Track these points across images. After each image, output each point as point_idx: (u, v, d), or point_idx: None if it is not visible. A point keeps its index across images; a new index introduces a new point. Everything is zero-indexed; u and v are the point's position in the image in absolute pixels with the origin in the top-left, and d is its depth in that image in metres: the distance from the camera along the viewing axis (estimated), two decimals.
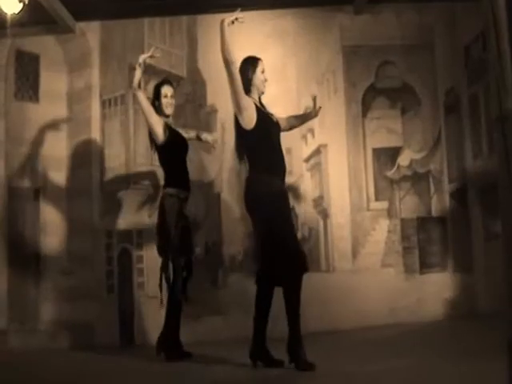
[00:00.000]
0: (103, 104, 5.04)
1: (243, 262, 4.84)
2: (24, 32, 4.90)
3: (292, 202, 4.79)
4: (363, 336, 4.30)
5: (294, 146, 4.95)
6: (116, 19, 5.06)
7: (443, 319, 4.71)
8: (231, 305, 4.69)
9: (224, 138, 4.84)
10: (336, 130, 5.05)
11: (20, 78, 5.04)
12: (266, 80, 3.42)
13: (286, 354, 3.18)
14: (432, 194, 5.06)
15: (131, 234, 4.90)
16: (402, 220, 4.99)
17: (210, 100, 5.03)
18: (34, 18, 4.55)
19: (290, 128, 3.77)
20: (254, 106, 3.31)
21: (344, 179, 5.01)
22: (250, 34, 4.64)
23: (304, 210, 4.97)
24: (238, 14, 3.28)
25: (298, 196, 4.96)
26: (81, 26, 5.08)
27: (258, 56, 3.45)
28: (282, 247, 3.18)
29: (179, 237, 3.85)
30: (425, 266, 4.93)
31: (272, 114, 3.47)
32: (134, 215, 4.90)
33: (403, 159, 5.07)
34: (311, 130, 5.02)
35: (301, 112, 4.65)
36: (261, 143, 3.31)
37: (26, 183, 4.94)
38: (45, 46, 5.08)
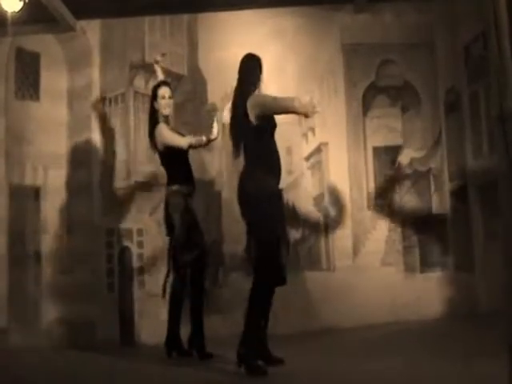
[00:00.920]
0: (104, 102, 5.05)
1: (244, 261, 4.83)
2: (24, 30, 4.88)
3: (292, 200, 4.79)
4: (363, 334, 4.29)
5: (295, 144, 4.94)
6: (116, 18, 5.06)
7: (443, 318, 4.71)
8: (232, 303, 4.68)
9: (224, 136, 4.83)
10: (336, 129, 5.05)
11: (20, 77, 5.03)
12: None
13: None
14: (432, 192, 5.06)
15: (131, 232, 4.91)
16: (403, 219, 4.99)
17: (210, 98, 5.03)
18: (35, 16, 4.55)
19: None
20: None
21: (344, 178, 5.01)
22: (249, 33, 4.63)
23: (304, 209, 4.97)
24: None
25: (298, 194, 4.96)
26: (81, 24, 5.07)
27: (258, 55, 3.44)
28: (264, 255, 3.14)
29: (187, 233, 3.83)
30: (425, 265, 4.93)
31: None
32: (135, 213, 4.91)
33: (404, 158, 5.06)
34: (312, 129, 5.02)
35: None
36: (261, 140, 3.29)
37: (26, 181, 4.95)
38: (45, 44, 5.07)
